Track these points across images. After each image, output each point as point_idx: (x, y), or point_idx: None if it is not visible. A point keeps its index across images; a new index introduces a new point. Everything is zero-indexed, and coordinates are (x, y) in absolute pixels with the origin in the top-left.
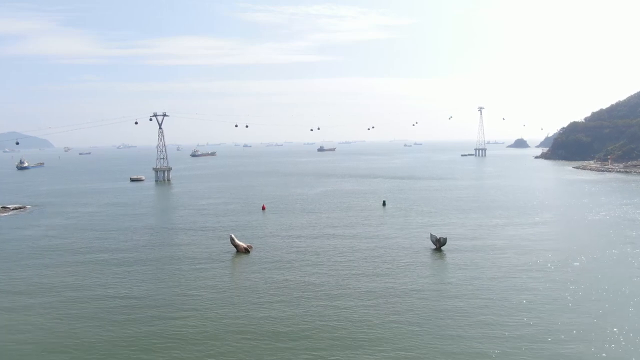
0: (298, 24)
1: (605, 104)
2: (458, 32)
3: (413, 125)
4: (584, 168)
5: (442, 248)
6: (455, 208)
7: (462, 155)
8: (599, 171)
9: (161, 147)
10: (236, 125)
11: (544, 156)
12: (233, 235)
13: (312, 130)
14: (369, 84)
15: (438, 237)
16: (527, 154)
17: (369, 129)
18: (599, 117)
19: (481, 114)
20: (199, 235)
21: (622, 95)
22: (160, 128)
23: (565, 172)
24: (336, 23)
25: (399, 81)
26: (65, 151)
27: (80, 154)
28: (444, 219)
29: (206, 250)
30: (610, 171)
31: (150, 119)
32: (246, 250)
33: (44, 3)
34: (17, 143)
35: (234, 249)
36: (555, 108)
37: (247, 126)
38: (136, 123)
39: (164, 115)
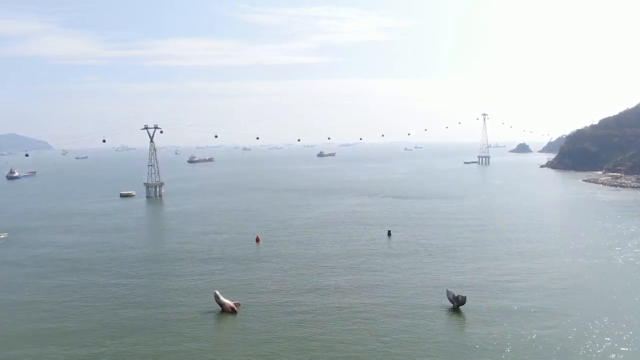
0: (298, 25)
1: (608, 108)
2: (458, 34)
3: (408, 134)
4: (595, 182)
5: (461, 308)
6: (469, 244)
7: (465, 163)
8: (611, 186)
9: (153, 162)
10: (216, 136)
11: (550, 165)
12: (218, 293)
13: (299, 140)
14: (368, 85)
15: (456, 294)
16: (531, 160)
17: (372, 136)
18: (606, 125)
19: (484, 120)
20: (180, 288)
21: (629, 102)
22: (151, 141)
23: (577, 186)
24: (336, 24)
25: (398, 82)
26: (62, 154)
27: (76, 158)
28: (458, 262)
29: (186, 312)
30: (623, 186)
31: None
32: (232, 310)
33: (44, 4)
34: (27, 155)
35: (219, 308)
36: (557, 111)
37: (257, 138)
38: (104, 141)
39: (156, 127)
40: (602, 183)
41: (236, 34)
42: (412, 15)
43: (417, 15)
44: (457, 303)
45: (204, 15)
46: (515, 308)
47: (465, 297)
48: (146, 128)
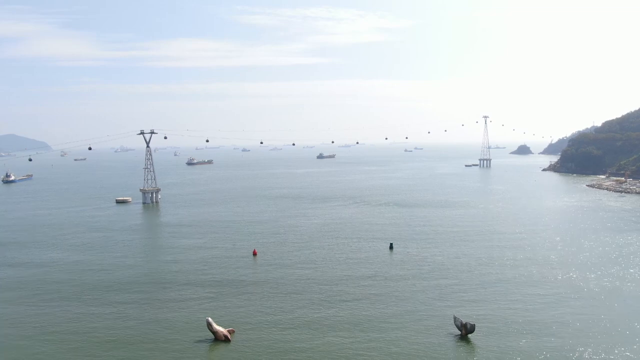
0: (296, 26)
1: (610, 110)
2: (458, 35)
3: (406, 138)
4: (599, 187)
5: (470, 337)
6: (475, 262)
7: (466, 166)
8: (616, 191)
9: (149, 167)
10: (207, 140)
11: (552, 168)
12: (210, 320)
13: (294, 144)
14: (368, 86)
15: (464, 322)
16: (532, 163)
17: (386, 139)
18: (609, 129)
19: (486, 122)
20: (171, 315)
21: (632, 105)
22: (148, 146)
23: (581, 192)
24: (334, 25)
25: (398, 83)
26: (61, 155)
27: (75, 159)
28: (465, 284)
29: (175, 345)
30: (628, 192)
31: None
32: (226, 338)
33: (43, 5)
34: (30, 159)
35: (212, 336)
36: (558, 112)
37: (261, 142)
38: (90, 148)
39: (152, 132)
40: (606, 188)
41: (234, 35)
42: (411, 16)
43: (416, 16)
44: (465, 331)
45: (202, 16)
46: (529, 346)
47: (474, 325)
48: (142, 133)
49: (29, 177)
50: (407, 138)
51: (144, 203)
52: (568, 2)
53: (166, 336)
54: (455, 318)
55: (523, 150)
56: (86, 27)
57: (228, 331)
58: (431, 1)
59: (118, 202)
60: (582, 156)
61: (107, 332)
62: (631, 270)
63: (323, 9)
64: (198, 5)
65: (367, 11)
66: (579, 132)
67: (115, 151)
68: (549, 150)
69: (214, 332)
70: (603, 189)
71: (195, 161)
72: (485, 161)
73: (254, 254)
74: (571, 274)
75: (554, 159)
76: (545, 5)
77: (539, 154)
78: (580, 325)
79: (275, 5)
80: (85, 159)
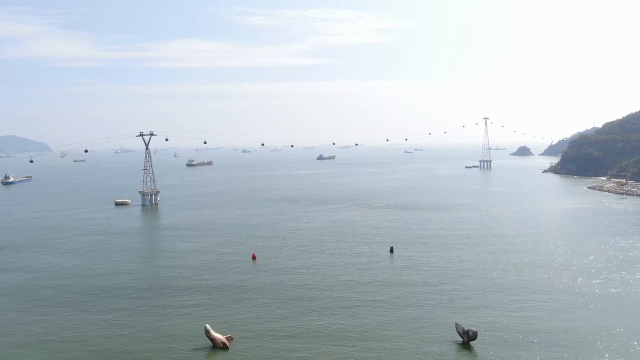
0: (295, 27)
1: (610, 111)
2: (458, 36)
3: (405, 139)
4: (600, 189)
5: (472, 344)
6: (477, 266)
7: (467, 167)
8: (618, 193)
9: (148, 169)
10: (205, 142)
11: (552, 170)
12: (208, 327)
13: (292, 146)
14: (367, 87)
15: (466, 329)
16: (533, 165)
17: (387, 140)
18: (610, 130)
19: (486, 124)
20: (168, 323)
21: (633, 106)
22: (147, 148)
23: (582, 194)
24: (334, 26)
25: (397, 84)
26: (61, 157)
27: (75, 161)
28: (467, 289)
29: (173, 351)
30: (629, 194)
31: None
32: (224, 346)
33: (43, 6)
34: (31, 161)
35: (210, 343)
36: (558, 113)
37: (262, 144)
38: (86, 151)
39: (151, 134)
40: (607, 190)
41: (234, 36)
42: (411, 17)
43: (415, 17)
44: (467, 338)
45: (202, 17)
46: (533, 354)
47: (476, 332)
48: (141, 135)
49: (28, 178)
50: (406, 139)
51: (142, 205)
52: (568, 3)
53: (163, 344)
54: (457, 325)
55: (523, 151)
56: (86, 28)
57: (226, 338)
58: (431, 2)
59: (117, 204)
60: (583, 158)
61: (103, 341)
62: (637, 276)
63: (323, 10)
64: (198, 6)
65: (366, 12)
66: (579, 133)
67: (115, 152)
68: (549, 151)
69: (212, 339)
70: (604, 191)
71: (194, 162)
72: (485, 162)
73: (254, 257)
74: (575, 279)
75: (555, 160)
76: (545, 6)
77: (539, 155)
78: (584, 333)
79: (274, 6)
80: (84, 160)
